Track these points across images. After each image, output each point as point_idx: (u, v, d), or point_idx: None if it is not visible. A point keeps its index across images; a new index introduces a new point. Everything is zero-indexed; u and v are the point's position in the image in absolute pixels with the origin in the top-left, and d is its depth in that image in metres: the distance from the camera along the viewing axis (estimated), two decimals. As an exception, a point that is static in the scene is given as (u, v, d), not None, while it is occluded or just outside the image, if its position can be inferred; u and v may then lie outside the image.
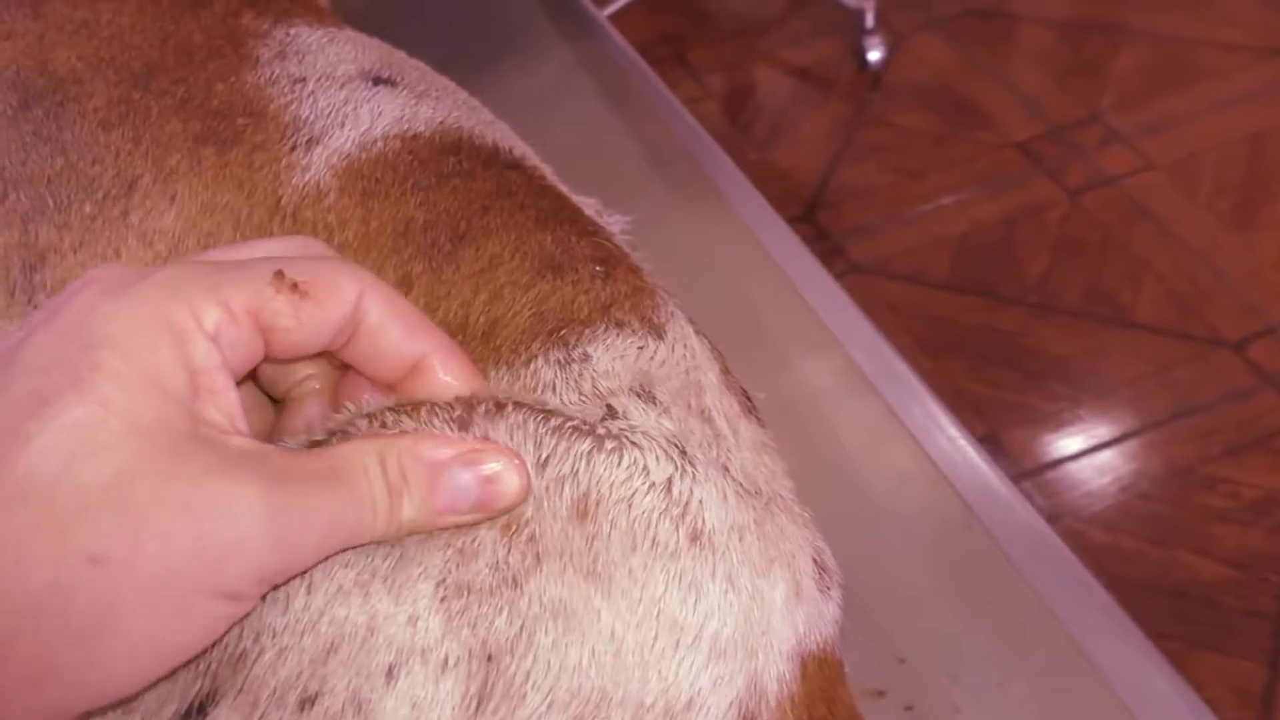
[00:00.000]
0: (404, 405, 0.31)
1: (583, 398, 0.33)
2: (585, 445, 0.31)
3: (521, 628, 0.29)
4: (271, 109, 0.40)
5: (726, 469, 0.34)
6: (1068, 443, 1.42)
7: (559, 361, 0.33)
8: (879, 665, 0.46)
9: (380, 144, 0.40)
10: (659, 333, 0.36)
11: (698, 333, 0.40)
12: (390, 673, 0.29)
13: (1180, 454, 1.39)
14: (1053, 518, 1.35)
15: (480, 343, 0.34)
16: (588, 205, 0.50)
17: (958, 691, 0.45)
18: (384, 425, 0.30)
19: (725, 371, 0.39)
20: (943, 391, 1.48)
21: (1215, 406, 1.42)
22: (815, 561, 0.35)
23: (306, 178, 0.38)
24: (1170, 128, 1.76)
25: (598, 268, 0.37)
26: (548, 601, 0.29)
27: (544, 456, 0.30)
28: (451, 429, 0.30)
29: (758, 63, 1.99)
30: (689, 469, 0.32)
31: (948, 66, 1.91)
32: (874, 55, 1.88)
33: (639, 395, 0.33)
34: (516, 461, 0.30)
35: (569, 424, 0.31)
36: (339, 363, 0.32)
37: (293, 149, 0.39)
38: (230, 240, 0.37)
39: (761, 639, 0.31)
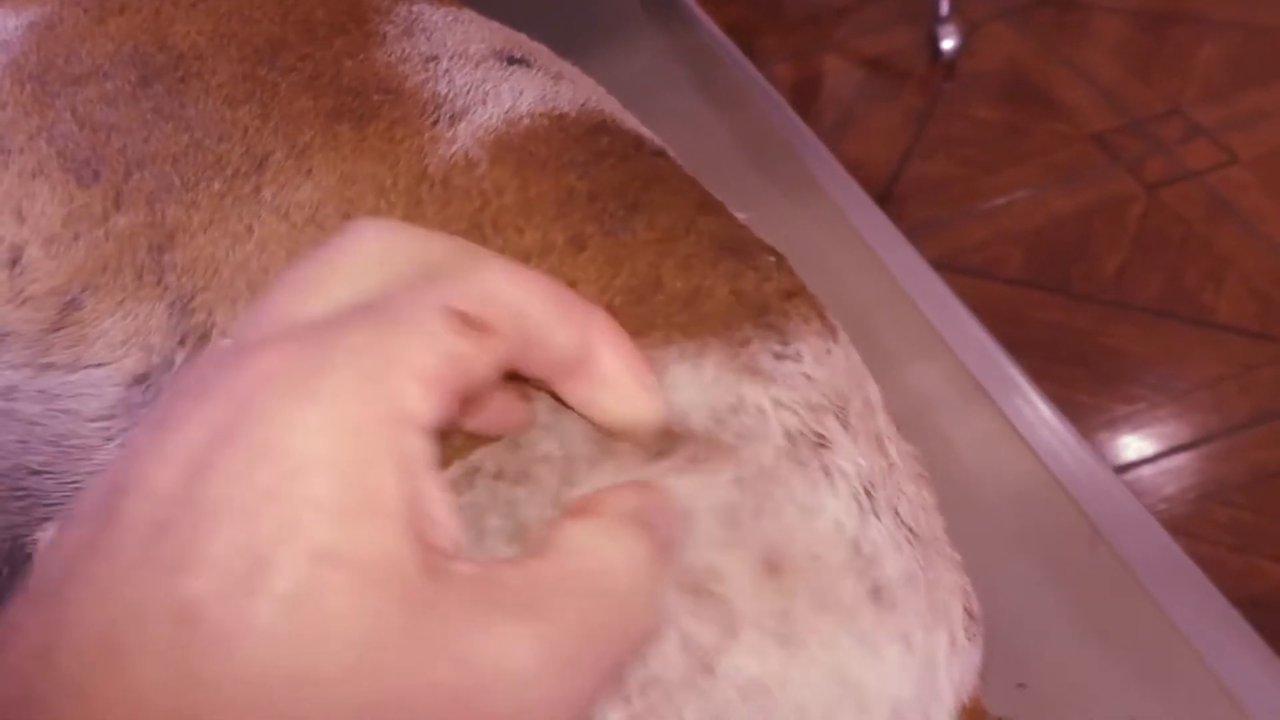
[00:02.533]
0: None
1: (798, 407, 0.30)
2: (784, 487, 0.29)
3: (712, 717, 0.26)
4: (408, 86, 0.39)
5: (897, 511, 0.32)
6: (1144, 445, 1.38)
7: (775, 355, 0.31)
8: (999, 690, 0.44)
9: (528, 120, 0.38)
10: (834, 333, 0.34)
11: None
12: None
13: (1263, 458, 1.35)
14: (1129, 522, 1.32)
15: (683, 307, 0.32)
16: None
17: (1085, 720, 0.43)
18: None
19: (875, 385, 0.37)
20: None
21: (1300, 411, 1.38)
22: (965, 609, 0.33)
23: (454, 149, 0.37)
24: (1256, 122, 1.70)
25: (770, 257, 0.36)
26: (742, 683, 0.27)
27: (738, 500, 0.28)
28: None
29: (828, 53, 1.95)
30: (873, 516, 0.30)
31: (1023, 57, 1.87)
32: (948, 44, 1.85)
33: (838, 416, 0.31)
34: (663, 497, 0.27)
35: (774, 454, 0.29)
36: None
37: (435, 123, 0.38)
38: (374, 207, 0.35)
39: (933, 703, 0.29)
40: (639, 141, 0.40)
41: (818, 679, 0.27)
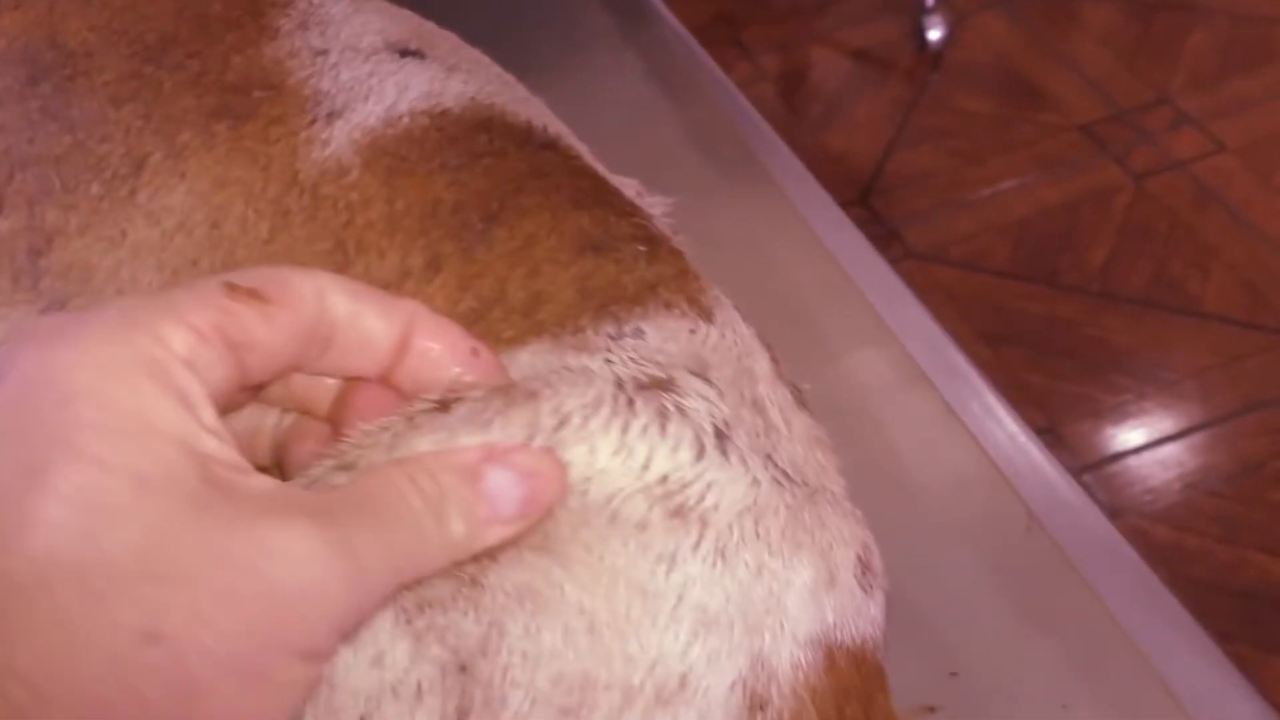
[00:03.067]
0: (409, 415, 0.29)
1: (639, 368, 0.31)
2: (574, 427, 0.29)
3: (490, 624, 0.27)
4: (290, 82, 0.38)
5: (770, 457, 0.32)
6: (1131, 436, 1.38)
7: (610, 335, 0.32)
8: (930, 679, 0.43)
9: (406, 120, 0.38)
10: (708, 316, 0.35)
11: (744, 320, 0.38)
12: None
13: (1250, 449, 1.34)
14: (1115, 514, 1.31)
15: (520, 316, 0.33)
16: (628, 186, 0.47)
17: (1017, 711, 0.42)
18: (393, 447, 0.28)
19: (775, 361, 0.37)
20: (1001, 383, 1.44)
21: (1287, 400, 1.37)
22: (859, 557, 0.33)
23: (326, 152, 0.36)
24: (1243, 110, 1.69)
25: (641, 247, 0.35)
26: (510, 588, 0.28)
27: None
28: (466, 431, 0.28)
29: (814, 44, 1.95)
30: (717, 454, 0.30)
31: (1011, 47, 1.86)
32: (934, 34, 1.84)
33: (695, 375, 0.32)
34: (547, 453, 0.28)
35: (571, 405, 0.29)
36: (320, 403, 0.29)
37: (312, 123, 0.37)
38: (241, 215, 0.35)
39: (767, 617, 0.29)
40: (526, 135, 0.39)
41: (587, 578, 0.28)
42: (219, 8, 0.41)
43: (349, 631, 0.25)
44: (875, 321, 0.55)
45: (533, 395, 0.30)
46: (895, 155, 1.72)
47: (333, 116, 0.38)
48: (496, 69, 0.44)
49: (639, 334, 0.32)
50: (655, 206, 0.49)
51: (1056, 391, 1.42)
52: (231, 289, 0.25)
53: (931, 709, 0.43)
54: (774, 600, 0.30)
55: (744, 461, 0.31)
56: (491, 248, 0.34)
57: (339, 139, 0.37)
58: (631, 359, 0.31)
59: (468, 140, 0.38)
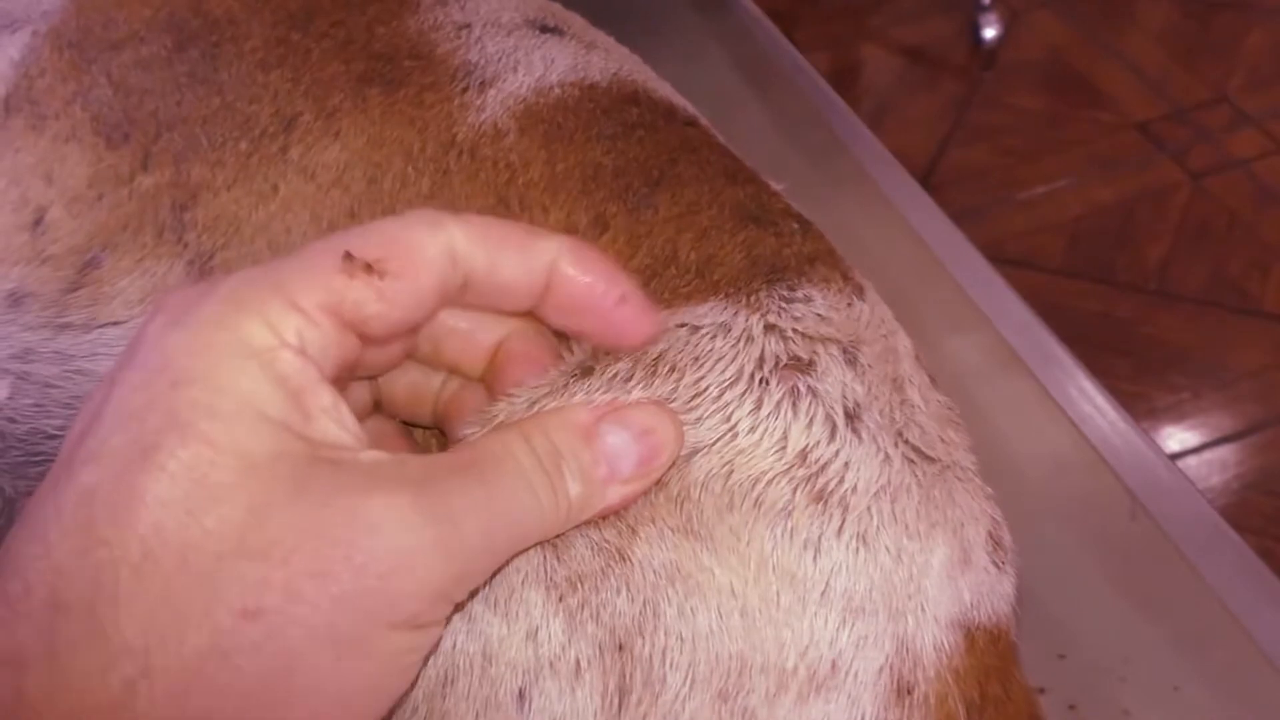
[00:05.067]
0: (554, 380, 0.29)
1: (799, 335, 0.31)
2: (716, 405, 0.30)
3: (644, 603, 0.28)
4: (439, 53, 0.39)
5: (901, 434, 0.32)
6: (1187, 436, 1.36)
7: (783, 297, 0.32)
8: (1039, 661, 0.43)
9: (558, 90, 0.38)
10: (861, 292, 0.35)
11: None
12: (521, 696, 0.27)
13: (1310, 450, 1.33)
14: (1173, 513, 1.30)
15: (695, 276, 0.33)
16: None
17: (1126, 692, 0.42)
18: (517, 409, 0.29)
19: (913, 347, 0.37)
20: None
21: (1349, 401, 1.36)
22: (991, 534, 0.33)
23: (482, 117, 0.37)
24: (1304, 110, 1.68)
25: (795, 224, 0.36)
26: (659, 567, 0.28)
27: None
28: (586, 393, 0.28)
29: (866, 41, 1.94)
30: (849, 433, 0.30)
31: (1066, 44, 1.85)
32: (989, 33, 1.83)
33: (844, 353, 0.32)
34: (663, 409, 0.28)
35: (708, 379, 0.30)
36: (484, 352, 0.30)
37: (464, 90, 0.38)
38: (401, 172, 0.35)
39: (909, 602, 0.29)
40: (670, 111, 0.40)
41: (736, 563, 0.28)
42: None
43: (458, 597, 0.25)
44: (969, 307, 0.55)
45: (675, 369, 0.30)
46: (949, 153, 1.72)
47: (484, 85, 0.38)
48: (626, 50, 0.44)
49: (809, 300, 0.32)
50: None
51: (1113, 390, 1.41)
52: (348, 261, 0.25)
53: (1041, 690, 0.43)
54: (914, 584, 0.30)
55: (875, 439, 0.31)
56: (657, 211, 0.34)
57: (493, 105, 0.37)
58: (796, 328, 0.31)
59: (620, 111, 0.38)
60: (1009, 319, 0.54)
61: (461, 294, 0.27)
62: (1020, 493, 0.49)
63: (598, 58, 0.40)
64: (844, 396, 0.31)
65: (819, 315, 0.32)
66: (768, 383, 0.30)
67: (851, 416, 0.31)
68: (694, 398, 0.30)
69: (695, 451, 0.29)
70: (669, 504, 0.29)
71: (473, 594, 0.27)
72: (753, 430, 0.29)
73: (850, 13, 1.99)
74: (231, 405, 0.23)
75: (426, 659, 0.26)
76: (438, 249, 0.26)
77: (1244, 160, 1.62)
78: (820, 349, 0.31)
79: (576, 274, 0.28)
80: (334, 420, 0.24)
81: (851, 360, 0.32)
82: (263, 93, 0.38)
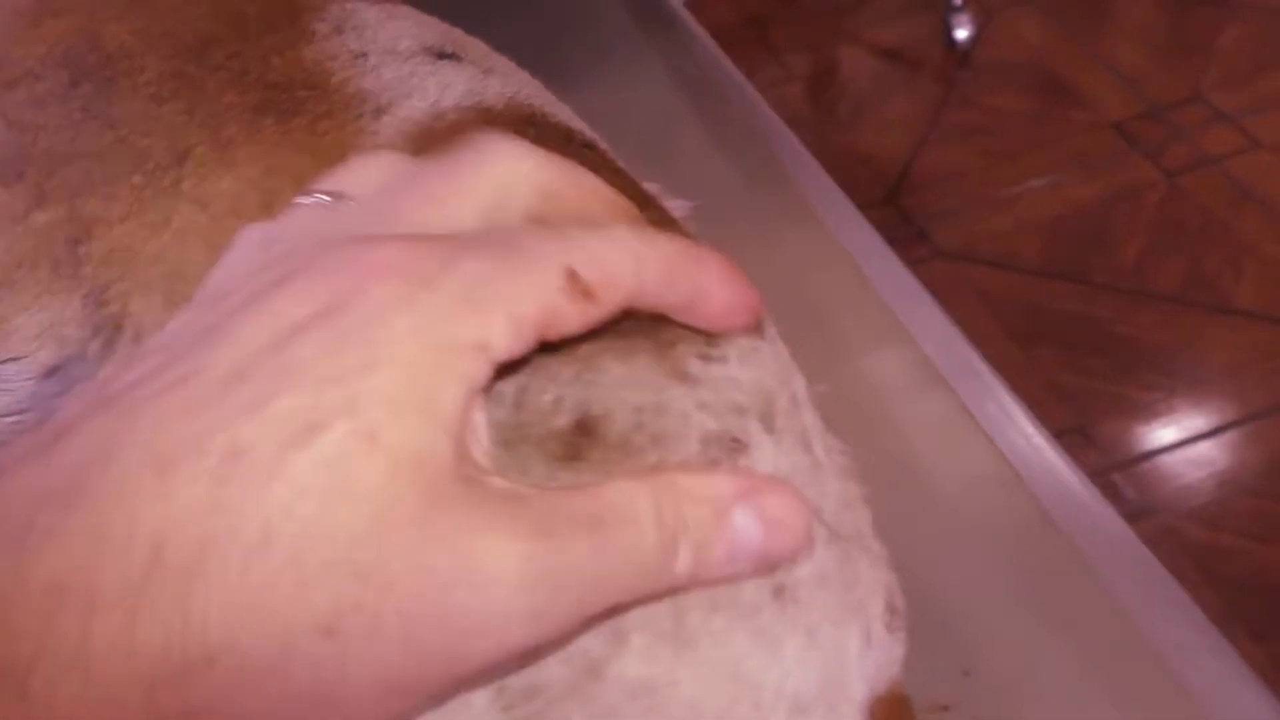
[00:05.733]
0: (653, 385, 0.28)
1: (727, 408, 0.30)
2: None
3: None
4: (334, 81, 0.39)
5: (820, 511, 0.31)
6: (1163, 434, 1.37)
7: (701, 357, 0.30)
8: (944, 678, 0.43)
9: (453, 115, 0.38)
10: (762, 330, 0.33)
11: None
12: None
13: (1284, 447, 1.33)
14: (1147, 512, 1.30)
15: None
16: (649, 190, 0.48)
17: (1031, 708, 0.42)
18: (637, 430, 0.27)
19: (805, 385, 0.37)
20: (1032, 381, 1.44)
21: (1323, 398, 1.36)
22: (887, 603, 0.32)
23: (377, 142, 0.37)
24: (1278, 106, 1.67)
25: None
26: (631, 683, 0.26)
27: None
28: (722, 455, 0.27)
29: (843, 43, 1.94)
30: None
31: (1041, 43, 1.85)
32: (961, 33, 1.83)
33: (763, 421, 0.30)
34: (800, 502, 0.26)
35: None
36: None
37: (359, 117, 0.38)
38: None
39: (839, 694, 0.29)
40: (567, 135, 0.40)
41: (709, 676, 0.27)
42: (255, 10, 0.42)
43: (516, 650, 0.23)
44: (892, 322, 0.55)
45: (634, 447, 0.28)
46: (924, 154, 1.72)
47: (379, 112, 0.38)
48: (526, 74, 0.44)
49: (724, 360, 0.30)
50: (676, 210, 0.50)
51: (1088, 390, 1.41)
52: (572, 280, 0.24)
53: (945, 708, 0.43)
54: (841, 675, 0.29)
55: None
56: None
57: (388, 131, 0.37)
58: (722, 399, 0.29)
59: (516, 134, 0.38)
60: (932, 334, 0.55)
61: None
62: (933, 509, 0.49)
63: (494, 82, 0.41)
64: (778, 473, 0.30)
65: (734, 379, 0.30)
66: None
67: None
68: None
69: None
70: (669, 604, 0.27)
71: None
72: None
73: (826, 14, 1.99)
74: (414, 400, 0.22)
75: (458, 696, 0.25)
76: (633, 274, 0.26)
77: (1218, 158, 1.62)
78: (748, 424, 0.29)
79: (721, 297, 0.28)
80: (475, 436, 0.24)
81: (769, 428, 0.31)
82: (156, 126, 0.38)
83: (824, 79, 1.89)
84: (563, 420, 0.28)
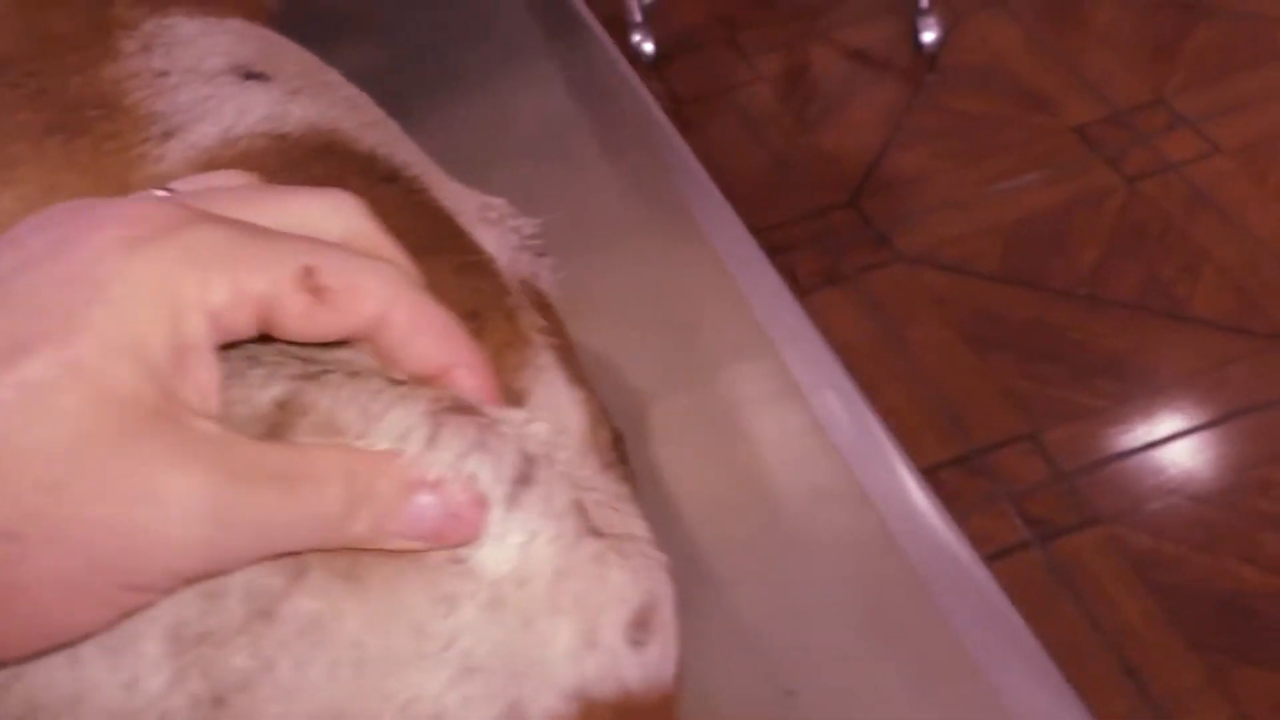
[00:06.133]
0: (374, 387, 0.29)
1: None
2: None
3: (263, 661, 0.27)
4: (127, 102, 0.39)
5: (560, 513, 0.32)
6: (1113, 442, 1.36)
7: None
8: (767, 696, 0.43)
9: (245, 141, 0.38)
10: (518, 399, 0.35)
11: (571, 380, 0.38)
12: None
13: (1233, 455, 1.33)
14: (1092, 521, 1.30)
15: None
16: (494, 206, 0.48)
17: (850, 730, 0.42)
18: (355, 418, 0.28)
19: (598, 421, 0.37)
20: (985, 387, 1.43)
21: (1273, 405, 1.35)
22: (636, 614, 0.32)
23: (160, 168, 0.37)
24: (1240, 110, 1.67)
25: (472, 323, 0.35)
26: (299, 620, 0.28)
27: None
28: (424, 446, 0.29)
29: (812, 44, 1.94)
30: (497, 510, 0.30)
31: (1008, 47, 1.84)
32: (928, 36, 1.82)
33: (519, 482, 0.32)
34: (483, 504, 0.29)
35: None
36: None
37: (145, 140, 0.38)
38: None
39: (531, 668, 0.29)
40: (368, 165, 0.39)
41: (377, 615, 0.28)
42: (67, 28, 0.42)
43: (193, 580, 0.26)
44: (759, 336, 0.55)
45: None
46: (888, 157, 1.71)
47: (167, 135, 0.38)
48: (348, 91, 0.44)
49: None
50: (525, 228, 0.49)
51: (1041, 396, 1.41)
52: (307, 275, 0.26)
53: (764, 727, 0.43)
54: (538, 653, 0.30)
55: (529, 521, 0.30)
56: None
57: (173, 156, 0.37)
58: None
59: (305, 166, 0.38)
60: (796, 347, 0.54)
61: (373, 342, 0.29)
62: (776, 524, 0.49)
63: (298, 107, 0.40)
64: (497, 475, 0.31)
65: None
66: (440, 433, 0.30)
67: (511, 494, 0.30)
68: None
69: None
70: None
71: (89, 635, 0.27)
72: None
73: (797, 16, 1.99)
74: (122, 337, 0.24)
75: (138, 610, 0.27)
76: (379, 308, 0.27)
77: (1178, 164, 1.61)
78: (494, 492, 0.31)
79: (464, 382, 0.30)
80: (194, 386, 0.25)
81: (527, 482, 0.32)
82: None
83: (792, 80, 1.88)
84: (273, 397, 0.29)
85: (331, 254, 0.27)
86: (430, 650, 0.28)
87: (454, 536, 0.28)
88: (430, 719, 0.28)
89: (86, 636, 0.26)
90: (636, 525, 0.35)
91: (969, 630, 0.44)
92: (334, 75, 0.44)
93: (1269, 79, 1.70)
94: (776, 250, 1.62)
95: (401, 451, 0.28)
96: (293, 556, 0.28)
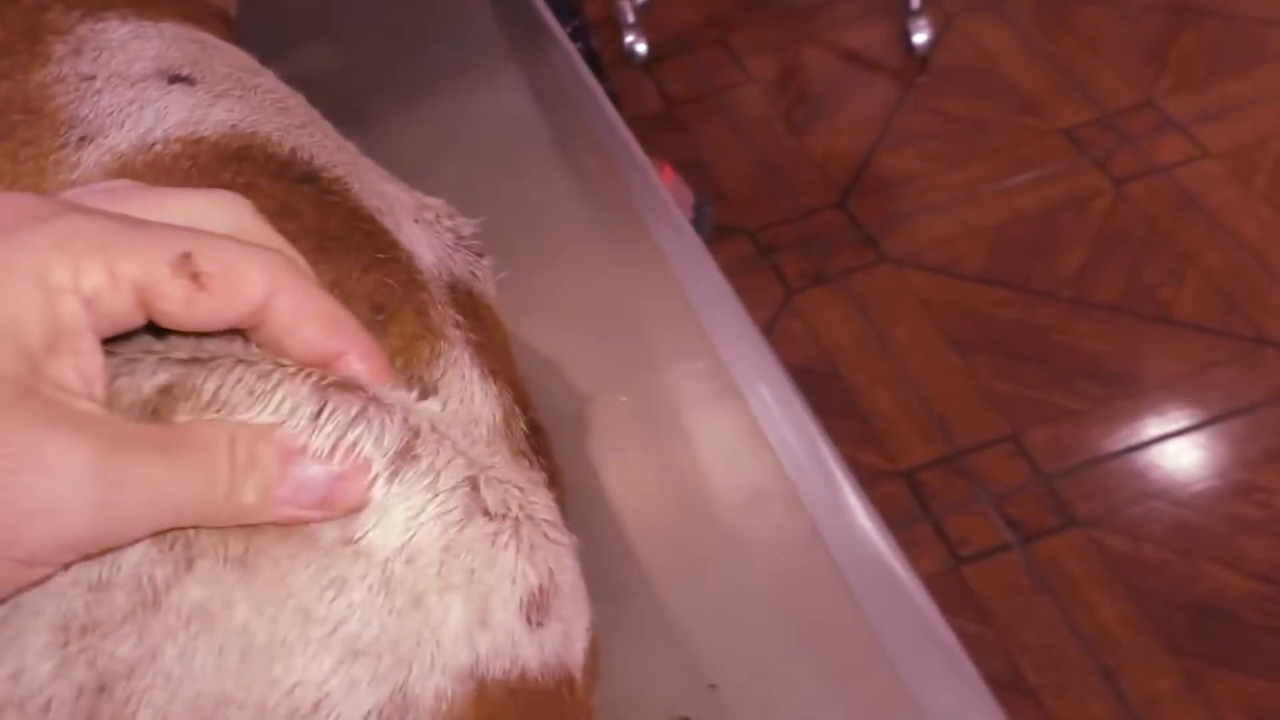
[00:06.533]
0: (263, 369, 0.30)
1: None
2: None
3: (148, 649, 0.28)
4: (50, 107, 0.39)
5: (451, 489, 0.32)
6: (1095, 444, 1.36)
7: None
8: (688, 690, 0.44)
9: (159, 147, 0.38)
10: (429, 390, 0.35)
11: (485, 374, 0.39)
12: None
13: (1213, 459, 1.32)
14: (1071, 523, 1.30)
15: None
16: (431, 207, 0.48)
17: (766, 724, 0.42)
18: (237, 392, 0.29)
19: (511, 414, 0.38)
20: (967, 389, 1.43)
21: (1255, 409, 1.35)
22: (532, 594, 0.33)
23: (75, 175, 0.37)
24: (1228, 114, 1.66)
25: (378, 316, 0.36)
26: (186, 609, 0.28)
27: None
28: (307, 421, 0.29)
29: (804, 45, 1.94)
30: (382, 484, 0.30)
31: (999, 49, 1.84)
32: (919, 38, 1.82)
33: (403, 454, 0.32)
34: (364, 471, 0.29)
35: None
36: None
37: (63, 146, 0.38)
38: None
39: (418, 650, 0.30)
40: (285, 167, 0.39)
41: (263, 598, 0.28)
42: (1, 34, 0.42)
43: (88, 552, 0.26)
44: (700, 335, 0.55)
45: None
46: (877, 158, 1.71)
47: (84, 141, 0.38)
48: (279, 93, 0.44)
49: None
50: (464, 228, 0.50)
51: (1022, 398, 1.41)
52: (183, 263, 0.27)
53: (684, 719, 0.43)
54: (428, 633, 0.30)
55: (413, 494, 0.31)
56: None
57: (88, 163, 0.38)
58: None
59: (217, 171, 0.38)
60: (736, 346, 0.55)
61: (260, 332, 0.29)
62: (708, 523, 0.49)
63: (221, 109, 0.40)
64: (384, 444, 0.31)
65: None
66: (323, 410, 0.31)
67: (394, 468, 0.31)
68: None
69: None
70: (241, 531, 0.29)
71: None
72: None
73: (790, 17, 1.99)
74: None
75: (22, 590, 0.27)
76: (260, 294, 0.28)
77: (1166, 166, 1.61)
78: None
79: (353, 367, 0.30)
80: (75, 369, 0.26)
81: (412, 460, 0.32)
82: None
83: (783, 81, 1.89)
84: (158, 384, 0.29)
85: (210, 240, 0.27)
86: (316, 635, 0.29)
87: (341, 503, 0.29)
88: (313, 704, 0.29)
89: None
90: (540, 509, 0.35)
91: (889, 630, 0.45)
92: (267, 78, 0.44)
93: (1258, 82, 1.70)
94: (765, 250, 1.63)
95: (283, 422, 0.29)
96: (184, 544, 0.28)
